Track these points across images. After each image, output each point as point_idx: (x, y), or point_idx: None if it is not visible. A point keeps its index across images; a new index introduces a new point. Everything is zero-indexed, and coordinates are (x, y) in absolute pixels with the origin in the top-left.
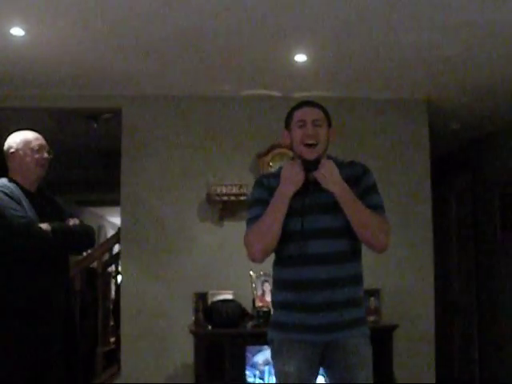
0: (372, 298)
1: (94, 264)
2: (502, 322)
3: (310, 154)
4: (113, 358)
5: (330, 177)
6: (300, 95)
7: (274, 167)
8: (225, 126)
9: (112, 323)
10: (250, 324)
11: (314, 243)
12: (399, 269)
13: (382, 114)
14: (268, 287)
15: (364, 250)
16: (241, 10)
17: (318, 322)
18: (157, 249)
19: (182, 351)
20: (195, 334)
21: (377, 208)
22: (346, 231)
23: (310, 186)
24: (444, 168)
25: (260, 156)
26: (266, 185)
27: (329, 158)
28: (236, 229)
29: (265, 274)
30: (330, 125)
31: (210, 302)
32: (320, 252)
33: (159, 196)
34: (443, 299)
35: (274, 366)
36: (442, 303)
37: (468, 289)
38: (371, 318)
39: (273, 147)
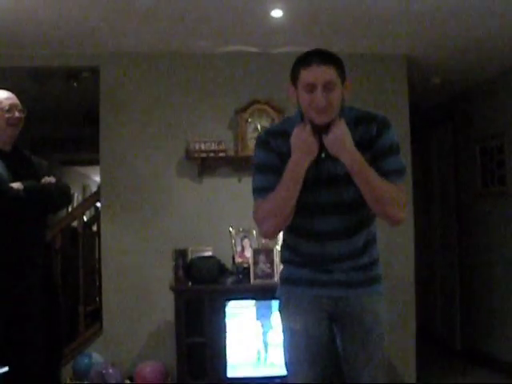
0: None
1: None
2: (482, 279)
3: (321, 119)
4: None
5: (340, 144)
6: (277, 51)
7: (252, 123)
8: (203, 83)
9: (98, 282)
10: (229, 280)
11: (329, 218)
12: (377, 223)
13: (361, 69)
14: (247, 243)
15: None
16: None
17: (329, 278)
18: (136, 206)
19: (163, 308)
20: (175, 290)
21: (392, 174)
22: (362, 202)
23: (323, 152)
24: (425, 123)
25: (238, 112)
26: (275, 148)
27: (344, 110)
28: (215, 185)
29: (244, 230)
30: (344, 79)
31: (189, 258)
32: (335, 227)
33: (138, 153)
34: (424, 255)
35: (281, 322)
36: (423, 259)
37: (449, 245)
38: None
39: (251, 103)
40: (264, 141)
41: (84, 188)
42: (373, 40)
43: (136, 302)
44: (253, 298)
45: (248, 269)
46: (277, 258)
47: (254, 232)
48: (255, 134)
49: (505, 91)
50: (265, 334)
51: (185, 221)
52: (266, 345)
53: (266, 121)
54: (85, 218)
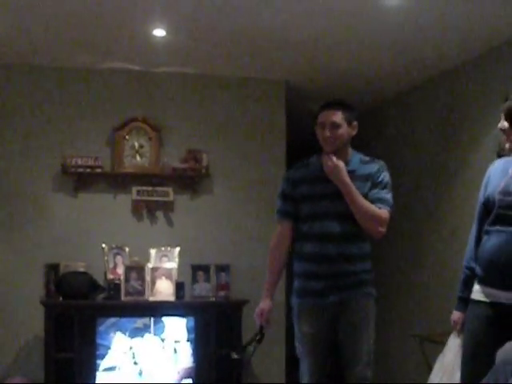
0: (223, 274)
1: None
2: None
3: (327, 148)
4: None
5: (335, 171)
6: (159, 70)
7: (130, 140)
8: (83, 98)
9: None
10: (100, 296)
11: (331, 224)
12: (250, 245)
13: (240, 93)
14: (120, 260)
15: None
16: None
17: (324, 286)
18: (10, 219)
19: (33, 322)
20: (45, 304)
21: (379, 201)
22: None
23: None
24: (302, 150)
25: (116, 129)
26: (295, 178)
27: (355, 153)
28: (90, 201)
29: (117, 247)
30: (350, 122)
31: (61, 273)
32: (334, 231)
33: (15, 166)
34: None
35: (295, 327)
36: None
37: None
38: (222, 293)
39: (130, 121)
40: (285, 176)
41: None
42: (253, 64)
43: (5, 315)
44: (123, 315)
45: (119, 285)
46: (148, 277)
47: (127, 249)
48: (132, 152)
49: (383, 119)
50: (134, 349)
51: (58, 235)
52: (135, 361)
53: (144, 139)
54: None
